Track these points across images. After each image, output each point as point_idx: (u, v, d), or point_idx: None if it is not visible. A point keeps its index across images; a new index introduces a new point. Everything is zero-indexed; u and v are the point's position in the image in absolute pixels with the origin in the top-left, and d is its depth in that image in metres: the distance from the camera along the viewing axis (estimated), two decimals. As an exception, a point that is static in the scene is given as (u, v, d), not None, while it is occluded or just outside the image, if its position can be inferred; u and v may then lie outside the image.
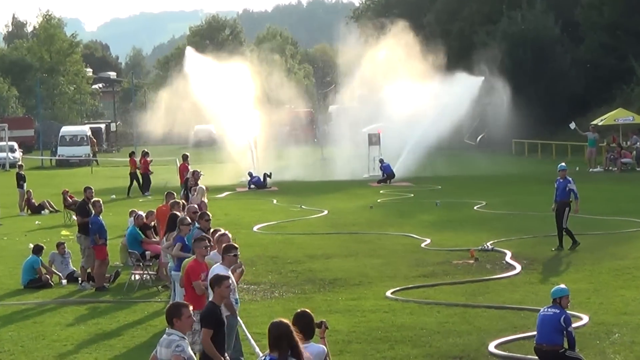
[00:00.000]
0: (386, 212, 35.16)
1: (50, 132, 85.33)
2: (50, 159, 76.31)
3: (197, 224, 18.20)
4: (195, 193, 26.15)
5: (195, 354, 10.43)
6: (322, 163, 61.07)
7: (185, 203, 23.48)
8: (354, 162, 53.34)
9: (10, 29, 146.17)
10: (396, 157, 50.25)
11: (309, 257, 24.78)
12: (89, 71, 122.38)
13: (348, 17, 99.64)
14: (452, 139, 52.06)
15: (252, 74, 54.84)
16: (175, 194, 24.81)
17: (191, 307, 9.89)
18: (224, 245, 14.15)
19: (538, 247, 25.23)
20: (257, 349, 14.08)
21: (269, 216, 34.31)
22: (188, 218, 18.47)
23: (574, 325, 13.89)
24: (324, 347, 9.64)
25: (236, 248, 13.92)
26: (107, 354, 15.96)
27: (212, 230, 16.84)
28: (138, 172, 45.35)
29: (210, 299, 11.88)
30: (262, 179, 46.52)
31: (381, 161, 48.04)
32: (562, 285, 13.97)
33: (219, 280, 11.73)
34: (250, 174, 47.00)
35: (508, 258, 23.30)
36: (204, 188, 26.80)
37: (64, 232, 30.25)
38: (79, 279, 22.41)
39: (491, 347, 14.97)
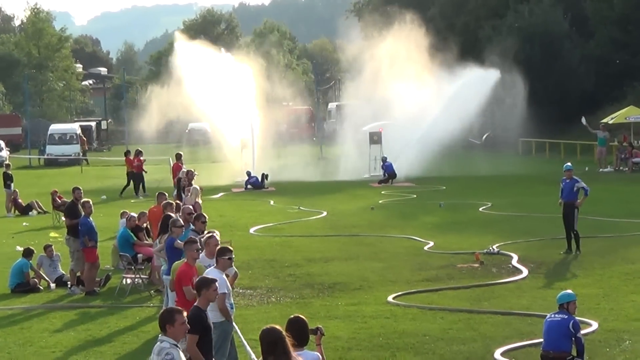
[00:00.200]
0: (388, 214, 35.15)
1: (38, 130, 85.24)
2: (39, 158, 76.28)
3: (192, 226, 18.22)
4: (189, 193, 26.16)
5: None
6: (321, 162, 61.06)
7: (180, 203, 23.50)
8: (354, 161, 53.33)
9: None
10: (401, 157, 50.20)
11: (308, 261, 24.78)
12: (79, 67, 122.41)
13: (348, 11, 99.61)
14: (457, 137, 52.00)
15: (248, 69, 54.79)
16: (167, 194, 24.80)
17: (185, 313, 9.85)
18: (218, 247, 14.16)
19: (546, 250, 25.22)
20: (253, 356, 14.08)
21: (265, 218, 34.31)
22: (180, 220, 18.47)
23: (582, 331, 13.87)
24: (318, 354, 9.62)
25: (231, 251, 13.92)
26: (97, 361, 15.96)
27: (206, 232, 16.84)
28: (133, 171, 45.26)
29: (195, 303, 11.81)
30: (260, 180, 46.51)
31: (384, 160, 47.93)
32: (569, 291, 13.97)
33: (206, 283, 11.69)
34: (248, 173, 46.98)
35: (514, 262, 23.30)
36: (198, 188, 26.82)
37: (52, 234, 30.27)
38: (68, 283, 22.40)
39: (497, 355, 14.97)
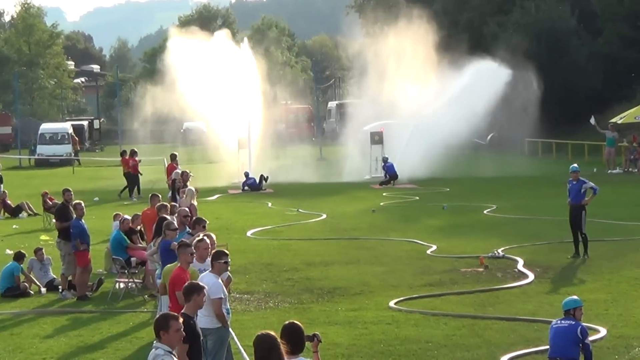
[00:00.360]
0: (389, 216, 35.16)
1: (28, 130, 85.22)
2: (29, 159, 76.26)
3: (187, 229, 18.19)
4: (185, 195, 26.18)
5: None
6: (320, 163, 61.07)
7: (176, 205, 23.50)
8: (355, 162, 53.33)
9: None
10: (403, 157, 50.18)
11: (307, 265, 24.78)
12: (71, 64, 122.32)
13: (349, 7, 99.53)
14: (462, 137, 51.97)
15: (244, 66, 54.75)
16: (160, 196, 24.80)
17: (181, 320, 9.82)
18: (214, 251, 14.14)
19: (552, 254, 25.23)
20: (250, 363, 14.09)
21: (263, 220, 34.32)
22: (174, 222, 18.45)
23: (590, 338, 13.89)
24: (315, 362, 9.60)
25: (227, 255, 13.91)
26: (89, 368, 15.97)
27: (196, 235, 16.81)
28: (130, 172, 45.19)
29: (183, 310, 11.70)
30: (257, 181, 46.47)
31: (385, 160, 47.84)
32: (575, 297, 14.00)
33: (197, 288, 11.61)
34: (246, 174, 46.97)
35: (520, 266, 23.31)
36: (194, 190, 26.83)
37: (43, 237, 30.26)
38: (59, 287, 22.40)
39: (502, 362, 14.98)
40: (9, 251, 26.61)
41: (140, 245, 23.12)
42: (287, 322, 9.59)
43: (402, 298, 19.96)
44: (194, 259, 14.43)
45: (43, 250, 23.84)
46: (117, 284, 22.22)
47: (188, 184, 29.25)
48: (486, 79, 53.07)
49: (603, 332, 16.53)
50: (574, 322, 13.37)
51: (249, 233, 30.93)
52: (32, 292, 22.44)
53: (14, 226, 35.15)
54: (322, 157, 66.93)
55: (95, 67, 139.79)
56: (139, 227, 23.83)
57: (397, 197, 41.46)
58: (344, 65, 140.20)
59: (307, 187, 47.72)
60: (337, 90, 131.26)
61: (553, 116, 62.18)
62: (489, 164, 53.68)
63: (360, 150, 53.50)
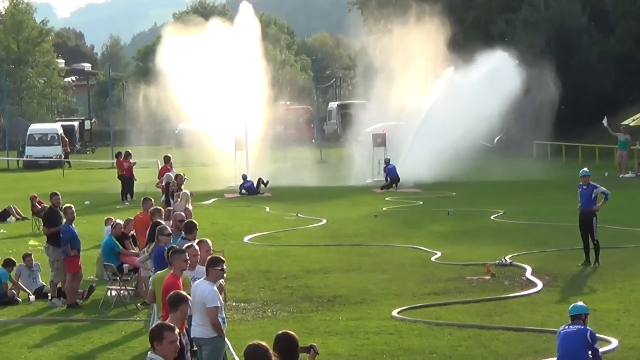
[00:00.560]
0: (392, 222, 35.17)
1: (17, 130, 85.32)
2: (17, 160, 76.32)
3: (183, 234, 18.20)
4: (179, 199, 26.16)
5: None
6: (320, 166, 61.08)
7: (171, 209, 23.50)
8: (356, 165, 53.33)
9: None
10: (407, 160, 50.18)
11: (306, 272, 24.78)
12: (61, 62, 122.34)
13: (351, 3, 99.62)
14: (470, 140, 51.94)
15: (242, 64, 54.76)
16: (153, 199, 24.81)
17: (177, 331, 9.81)
18: (209, 257, 14.13)
19: (562, 262, 25.23)
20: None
21: (261, 225, 34.32)
22: (168, 227, 18.45)
23: (601, 349, 13.91)
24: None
25: (223, 261, 13.90)
26: (79, 379, 15.97)
27: (197, 241, 16.82)
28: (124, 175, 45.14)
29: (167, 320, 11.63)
30: (255, 185, 46.48)
31: (387, 162, 47.77)
32: (580, 302, 14.07)
33: (183, 298, 11.52)
34: (244, 177, 46.98)
35: (528, 274, 23.30)
36: (189, 193, 26.82)
37: (32, 242, 30.26)
38: (49, 294, 22.39)
39: (509, 374, 14.99)
40: (-4, 257, 26.61)
41: (133, 251, 23.11)
42: (280, 332, 9.51)
43: (405, 307, 19.95)
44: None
45: (32, 256, 23.84)
46: (109, 292, 22.21)
47: (182, 187, 29.24)
48: (496, 79, 53.02)
49: (615, 343, 16.52)
50: (582, 327, 13.49)
51: (246, 239, 30.93)
52: (20, 299, 22.43)
53: (1, 231, 35.16)
54: (323, 159, 66.95)
55: (87, 66, 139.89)
56: (131, 232, 23.83)
57: (401, 201, 41.46)
58: (345, 64, 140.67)
59: (307, 191, 47.73)
60: (338, 91, 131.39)
61: (563, 118, 62.21)
62: (496, 167, 53.67)
63: (362, 153, 53.50)
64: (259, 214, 38.72)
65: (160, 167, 41.44)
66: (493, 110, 52.05)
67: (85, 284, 22.98)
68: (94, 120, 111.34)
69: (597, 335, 13.72)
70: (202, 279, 13.79)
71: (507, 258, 25.29)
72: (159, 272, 14.96)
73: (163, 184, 31.26)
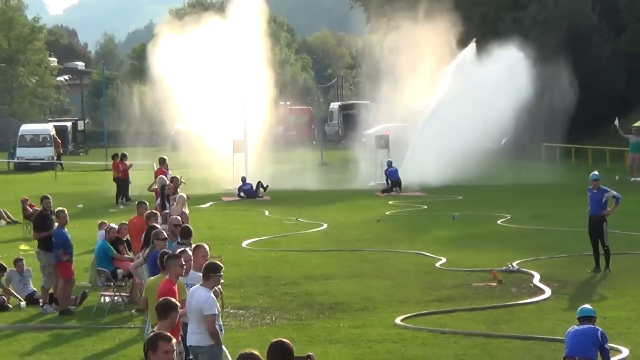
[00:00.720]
0: (395, 227, 35.18)
1: (7, 131, 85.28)
2: (8, 162, 76.26)
3: (179, 239, 18.22)
4: (175, 202, 26.20)
5: None
6: (322, 169, 61.08)
7: (168, 212, 23.52)
8: (359, 168, 53.32)
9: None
10: (411, 163, 50.16)
11: (306, 278, 24.79)
12: (54, 61, 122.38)
13: (353, 0, 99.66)
14: (477, 141, 51.91)
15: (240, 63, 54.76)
16: (147, 203, 24.81)
17: (174, 341, 9.78)
18: (208, 263, 14.14)
19: (571, 268, 25.24)
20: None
21: (260, 230, 34.33)
22: (164, 232, 18.47)
23: (612, 359, 13.94)
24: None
25: (221, 267, 13.91)
26: (71, 389, 15.98)
27: (194, 246, 16.84)
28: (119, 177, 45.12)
29: (156, 328, 11.61)
30: (254, 188, 46.45)
31: (388, 164, 47.68)
32: (588, 305, 14.16)
33: (174, 305, 11.47)
34: (243, 179, 46.97)
35: (536, 280, 23.32)
36: (185, 197, 26.85)
37: (23, 247, 30.24)
38: (40, 300, 22.39)
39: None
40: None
41: (128, 256, 23.10)
42: (274, 340, 9.46)
43: (409, 315, 19.95)
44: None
45: (23, 261, 23.84)
46: (103, 298, 22.21)
47: (179, 190, 29.26)
48: (506, 78, 52.97)
49: (625, 352, 16.50)
50: (593, 326, 13.60)
51: (244, 244, 30.93)
52: (10, 305, 22.44)
53: (-9, 235, 35.19)
54: (324, 162, 66.93)
55: (80, 64, 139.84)
56: (126, 237, 23.83)
57: (404, 205, 41.47)
58: (348, 63, 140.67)
59: (307, 195, 47.72)
60: (339, 91, 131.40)
61: (572, 119, 62.14)
62: (504, 170, 53.67)
63: (364, 155, 53.49)
64: (257, 218, 38.72)
65: (155, 170, 41.40)
66: (502, 111, 52.02)
67: (78, 290, 22.98)
68: (87, 120, 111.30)
69: (607, 345, 13.78)
70: (198, 285, 13.79)
71: (514, 264, 25.31)
72: (151, 278, 14.95)
73: (156, 187, 31.27)
